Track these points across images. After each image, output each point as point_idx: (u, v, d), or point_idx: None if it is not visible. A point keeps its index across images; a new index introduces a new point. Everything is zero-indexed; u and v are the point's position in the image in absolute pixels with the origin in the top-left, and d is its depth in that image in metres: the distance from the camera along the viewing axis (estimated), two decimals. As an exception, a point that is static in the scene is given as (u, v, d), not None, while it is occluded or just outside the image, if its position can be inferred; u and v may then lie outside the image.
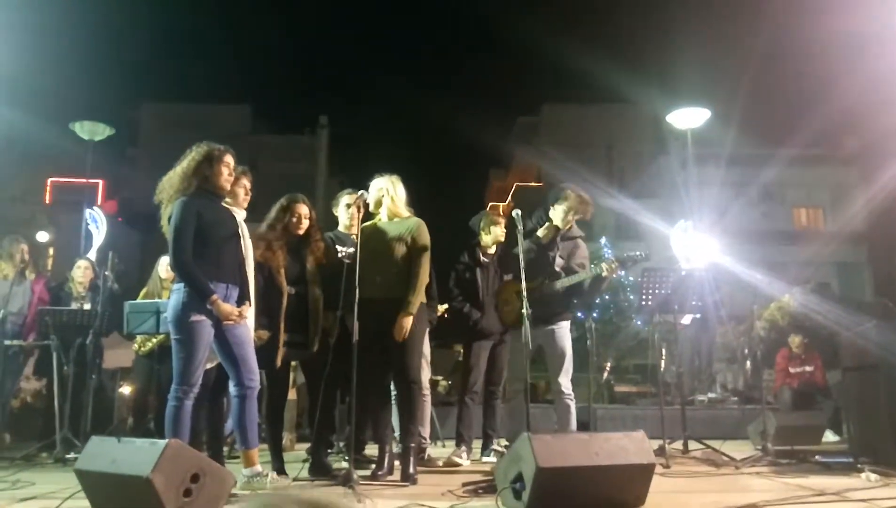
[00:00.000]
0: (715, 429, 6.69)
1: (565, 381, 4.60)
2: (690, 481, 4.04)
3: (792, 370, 7.88)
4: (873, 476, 3.80)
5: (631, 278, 17.88)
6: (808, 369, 7.83)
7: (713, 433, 6.15)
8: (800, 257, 20.10)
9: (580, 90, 26.55)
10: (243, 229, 3.73)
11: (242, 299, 3.61)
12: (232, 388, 3.60)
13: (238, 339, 3.55)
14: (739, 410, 7.75)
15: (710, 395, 8.63)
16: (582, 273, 4.58)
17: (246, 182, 3.86)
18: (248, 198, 3.89)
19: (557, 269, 4.64)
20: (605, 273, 4.48)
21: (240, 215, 3.77)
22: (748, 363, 9.05)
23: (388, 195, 4.22)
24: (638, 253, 4.61)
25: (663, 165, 22.97)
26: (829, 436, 6.66)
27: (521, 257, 4.34)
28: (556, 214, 4.74)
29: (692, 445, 5.16)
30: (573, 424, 4.56)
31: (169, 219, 3.49)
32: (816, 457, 4.68)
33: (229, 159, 3.59)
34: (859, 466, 4.10)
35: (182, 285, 3.46)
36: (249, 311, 3.66)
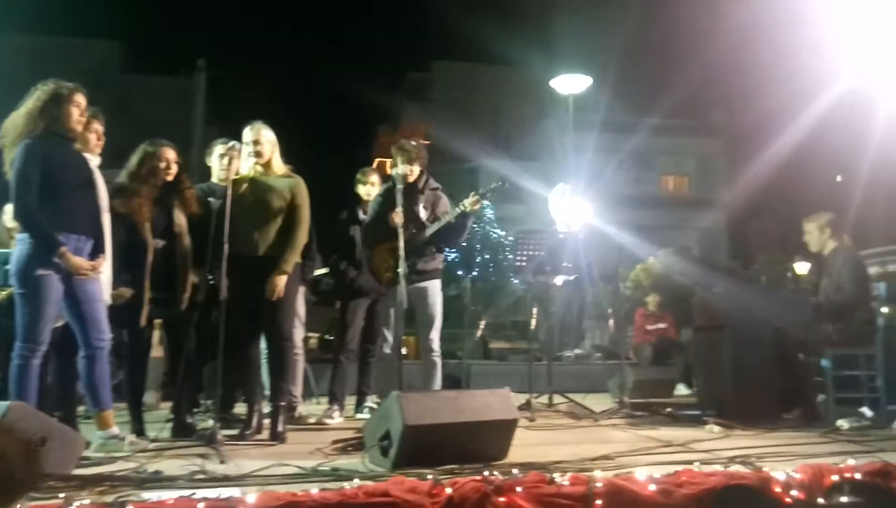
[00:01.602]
0: (580, 383, 7.04)
1: (435, 338, 4.67)
2: (552, 433, 4.24)
3: (648, 327, 8.49)
4: (716, 429, 4.14)
5: (511, 238, 18.35)
6: (661, 326, 8.45)
7: (579, 387, 6.47)
8: (666, 222, 21.39)
9: (469, 50, 26.59)
10: (98, 176, 3.46)
11: (96, 253, 3.37)
12: (80, 349, 3.38)
13: (88, 296, 3.32)
14: (602, 365, 8.21)
15: (577, 351, 9.11)
16: (447, 216, 4.62)
17: (98, 126, 3.58)
18: (101, 143, 3.61)
19: (423, 220, 4.64)
20: (468, 208, 4.53)
21: (94, 160, 3.50)
22: (611, 321, 9.59)
23: (267, 147, 4.06)
24: (496, 183, 4.77)
25: (546, 129, 23.53)
26: (682, 389, 7.19)
27: (399, 212, 4.35)
28: (398, 169, 4.69)
29: (557, 399, 5.41)
30: (438, 381, 4.65)
31: (12, 164, 3.19)
32: (667, 410, 5.03)
33: (80, 99, 3.31)
34: (704, 419, 4.45)
35: (27, 235, 3.19)
36: (105, 265, 3.43)
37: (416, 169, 4.70)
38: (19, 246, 3.21)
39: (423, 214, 4.68)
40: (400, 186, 4.41)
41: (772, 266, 13.10)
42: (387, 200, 4.65)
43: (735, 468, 2.74)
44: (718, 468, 2.73)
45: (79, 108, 3.31)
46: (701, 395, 5.36)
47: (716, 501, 2.38)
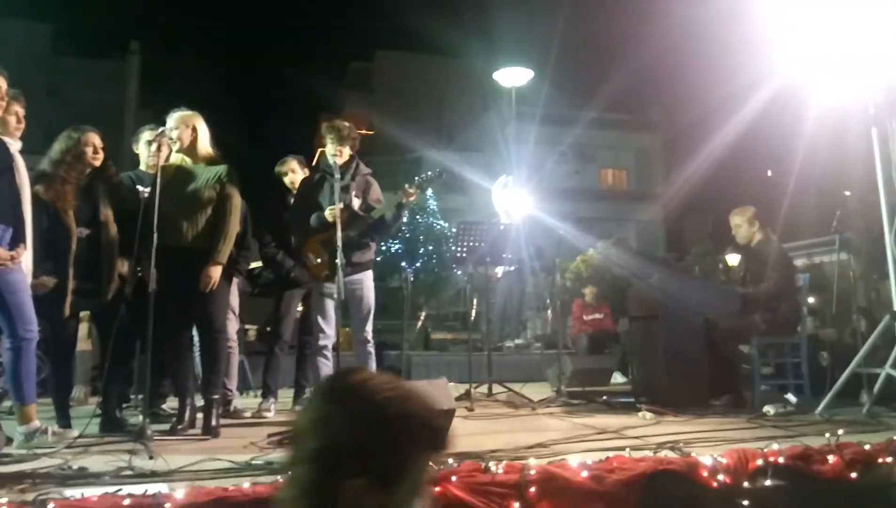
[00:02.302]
0: (520, 373, 7.13)
1: (369, 330, 4.58)
2: (490, 423, 4.28)
3: (586, 317, 8.66)
4: (648, 415, 4.24)
5: (454, 230, 18.42)
6: (598, 316, 8.64)
7: (518, 377, 6.55)
8: (606, 214, 21.84)
9: (413, 40, 26.48)
10: (18, 162, 3.30)
11: (17, 242, 3.22)
12: (5, 340, 3.23)
13: (11, 286, 3.17)
14: (541, 354, 8.34)
15: (517, 341, 9.21)
16: (382, 208, 4.51)
17: (18, 108, 3.41)
18: (22, 126, 3.44)
19: (356, 209, 4.48)
20: (405, 200, 4.45)
21: (14, 145, 3.34)
22: (549, 311, 9.75)
23: (186, 133, 3.94)
24: (430, 172, 4.68)
25: (488, 121, 23.65)
26: (618, 378, 7.36)
27: (336, 202, 4.26)
28: (328, 150, 4.54)
29: (496, 388, 5.45)
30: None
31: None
32: (603, 398, 5.13)
33: (0, 82, 3.15)
34: (638, 406, 4.56)
35: (-59, 224, 3.02)
36: (26, 255, 3.28)
37: (346, 151, 4.51)
38: (-67, 235, 3.04)
39: (355, 203, 4.54)
40: (337, 176, 4.31)
41: (704, 257, 13.51)
42: (315, 189, 4.54)
43: (664, 453, 2.81)
44: (648, 453, 2.80)
45: (-1, 91, 3.16)
46: (635, 383, 5.49)
47: (644, 486, 2.44)
